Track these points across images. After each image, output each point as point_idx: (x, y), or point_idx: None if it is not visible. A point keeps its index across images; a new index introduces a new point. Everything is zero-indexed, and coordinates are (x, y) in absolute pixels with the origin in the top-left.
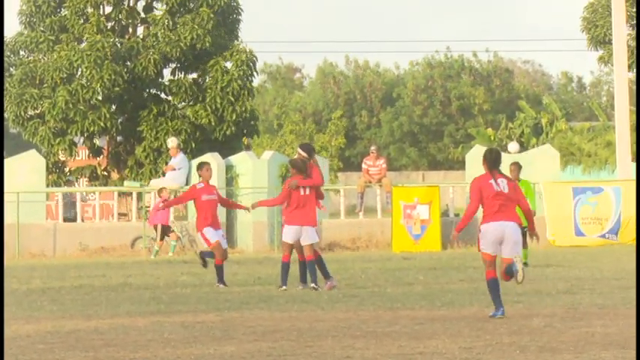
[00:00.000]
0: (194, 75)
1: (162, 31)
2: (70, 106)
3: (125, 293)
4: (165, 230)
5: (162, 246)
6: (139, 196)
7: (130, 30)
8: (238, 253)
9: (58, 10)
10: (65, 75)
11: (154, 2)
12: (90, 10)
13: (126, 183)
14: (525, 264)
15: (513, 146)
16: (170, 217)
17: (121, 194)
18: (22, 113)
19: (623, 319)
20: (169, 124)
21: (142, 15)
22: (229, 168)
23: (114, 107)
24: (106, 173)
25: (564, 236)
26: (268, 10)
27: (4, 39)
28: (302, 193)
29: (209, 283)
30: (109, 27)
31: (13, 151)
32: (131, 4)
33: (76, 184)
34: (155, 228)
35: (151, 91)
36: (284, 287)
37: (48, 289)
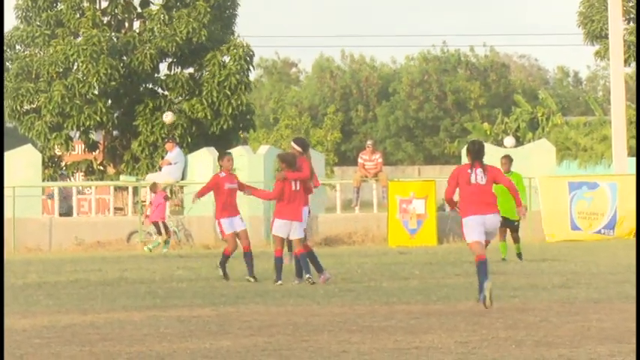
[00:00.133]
0: (190, 70)
1: (159, 25)
2: (66, 100)
3: (121, 287)
4: (157, 227)
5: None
6: (135, 190)
7: (126, 24)
8: None
9: (54, 5)
10: (61, 69)
11: None
12: (86, 4)
13: (122, 177)
14: (519, 255)
15: (509, 141)
16: (166, 213)
17: (117, 189)
18: (18, 107)
19: (618, 314)
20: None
21: (138, 9)
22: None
23: (110, 102)
24: (102, 168)
25: (560, 231)
26: (264, 4)
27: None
28: (293, 187)
29: (205, 278)
30: (105, 21)
31: (9, 145)
32: None
33: (71, 178)
34: (155, 225)
35: (147, 85)
36: (279, 282)
37: (44, 284)
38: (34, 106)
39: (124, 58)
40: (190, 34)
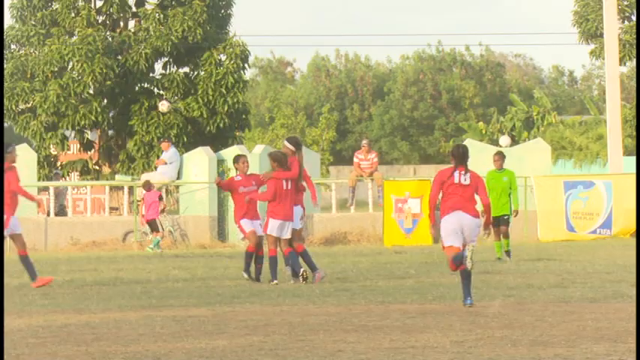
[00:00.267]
0: (186, 69)
1: (154, 24)
2: (62, 99)
3: (117, 287)
4: (153, 225)
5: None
6: (131, 190)
7: (121, 24)
8: (230, 248)
9: (49, 4)
10: (56, 69)
11: None
12: (81, 3)
13: (117, 177)
14: (508, 252)
15: (505, 140)
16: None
17: (112, 188)
18: (14, 107)
19: (614, 313)
20: (161, 118)
21: (133, 9)
22: (220, 162)
23: (105, 101)
24: (97, 167)
25: (555, 231)
26: (259, 3)
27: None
28: (284, 187)
29: (200, 278)
30: (100, 21)
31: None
32: None
33: (66, 178)
34: (150, 223)
35: (143, 85)
36: (275, 281)
37: None
38: (30, 105)
39: (119, 57)
40: (186, 32)
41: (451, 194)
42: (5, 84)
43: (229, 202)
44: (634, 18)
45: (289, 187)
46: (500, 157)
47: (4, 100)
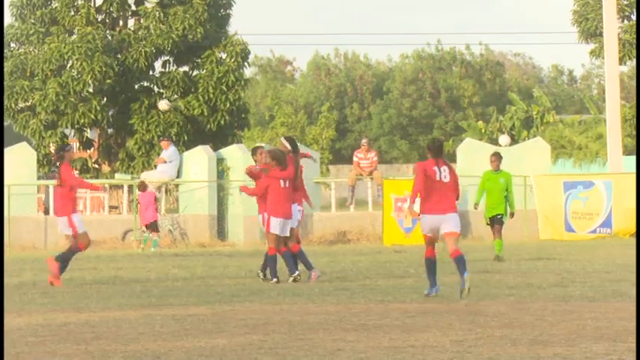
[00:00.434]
0: (185, 68)
1: (154, 23)
2: (61, 98)
3: (116, 286)
4: (154, 226)
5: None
6: (130, 188)
7: (121, 22)
8: (229, 246)
9: (49, 2)
10: (55, 67)
11: None
12: (80, 2)
13: (117, 176)
14: (498, 256)
15: (504, 139)
16: (157, 213)
17: (111, 187)
18: (13, 105)
19: (614, 312)
20: (161, 116)
21: (133, 7)
22: (220, 161)
23: (105, 99)
24: (96, 166)
25: (555, 231)
26: (258, 2)
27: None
28: (282, 185)
29: (200, 276)
30: (99, 19)
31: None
32: None
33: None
34: (149, 226)
35: (142, 83)
36: (274, 280)
37: (39, 282)
38: (29, 103)
39: (119, 55)
40: (187, 31)
41: (433, 191)
42: (5, 82)
43: (229, 201)
44: (634, 17)
45: (287, 185)
46: (497, 158)
47: (4, 98)
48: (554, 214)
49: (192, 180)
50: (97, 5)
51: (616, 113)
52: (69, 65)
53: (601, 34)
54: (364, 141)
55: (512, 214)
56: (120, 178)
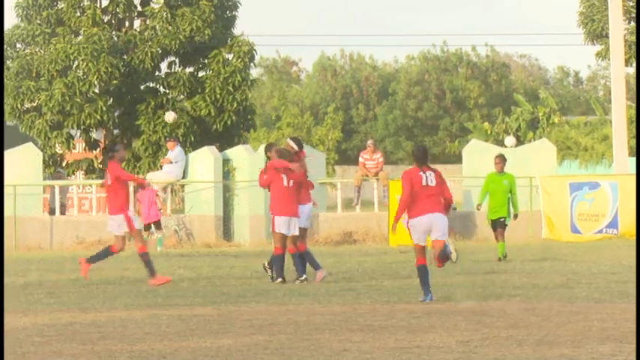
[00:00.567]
0: (191, 69)
1: (161, 23)
2: (67, 98)
3: (122, 286)
4: (158, 224)
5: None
6: (136, 189)
7: (127, 23)
8: (235, 247)
9: (55, 3)
10: (61, 68)
11: None
12: (86, 2)
13: None
14: (500, 258)
15: (510, 140)
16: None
17: None
18: (19, 106)
19: (620, 313)
20: None
21: (139, 8)
22: (226, 162)
23: (110, 100)
24: (102, 166)
25: (560, 233)
26: (264, 3)
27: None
28: (285, 184)
29: (206, 277)
30: (105, 20)
31: (10, 143)
32: None
33: (71, 177)
34: (155, 224)
35: (148, 84)
36: (279, 280)
37: (45, 282)
38: (35, 104)
39: (125, 56)
40: (194, 32)
41: (420, 197)
42: (11, 83)
43: (234, 202)
44: None
45: (290, 184)
46: (502, 159)
47: (10, 98)
48: (559, 215)
49: (198, 180)
50: (102, 6)
51: (622, 115)
52: (75, 66)
53: (607, 36)
54: (370, 142)
55: (515, 216)
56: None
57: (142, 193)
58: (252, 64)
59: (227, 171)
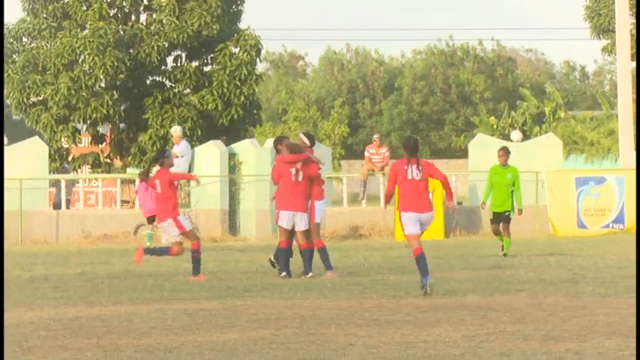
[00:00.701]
0: (197, 62)
1: (169, 17)
2: (73, 92)
3: (128, 280)
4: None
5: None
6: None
7: (133, 17)
8: (241, 241)
9: None
10: (67, 62)
11: None
12: None
13: (129, 170)
14: (505, 254)
15: (516, 135)
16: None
17: (123, 181)
18: (25, 100)
19: (626, 308)
20: (175, 111)
21: (145, 2)
22: (232, 156)
23: (117, 94)
24: (108, 160)
25: (566, 227)
26: None
27: (7, 25)
28: (293, 178)
29: (212, 271)
30: (111, 14)
31: (16, 137)
32: None
33: (77, 171)
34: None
35: (155, 78)
36: (284, 274)
37: (50, 276)
38: (41, 98)
39: (131, 50)
40: (201, 26)
41: (406, 190)
42: (17, 77)
43: (240, 196)
44: None
45: (299, 179)
46: (505, 152)
47: (16, 92)
48: (566, 209)
49: (204, 175)
50: (109, 0)
51: (628, 109)
52: (81, 60)
53: (613, 30)
54: (376, 136)
55: (520, 211)
56: (132, 172)
57: (142, 186)
58: (258, 59)
59: (233, 165)
